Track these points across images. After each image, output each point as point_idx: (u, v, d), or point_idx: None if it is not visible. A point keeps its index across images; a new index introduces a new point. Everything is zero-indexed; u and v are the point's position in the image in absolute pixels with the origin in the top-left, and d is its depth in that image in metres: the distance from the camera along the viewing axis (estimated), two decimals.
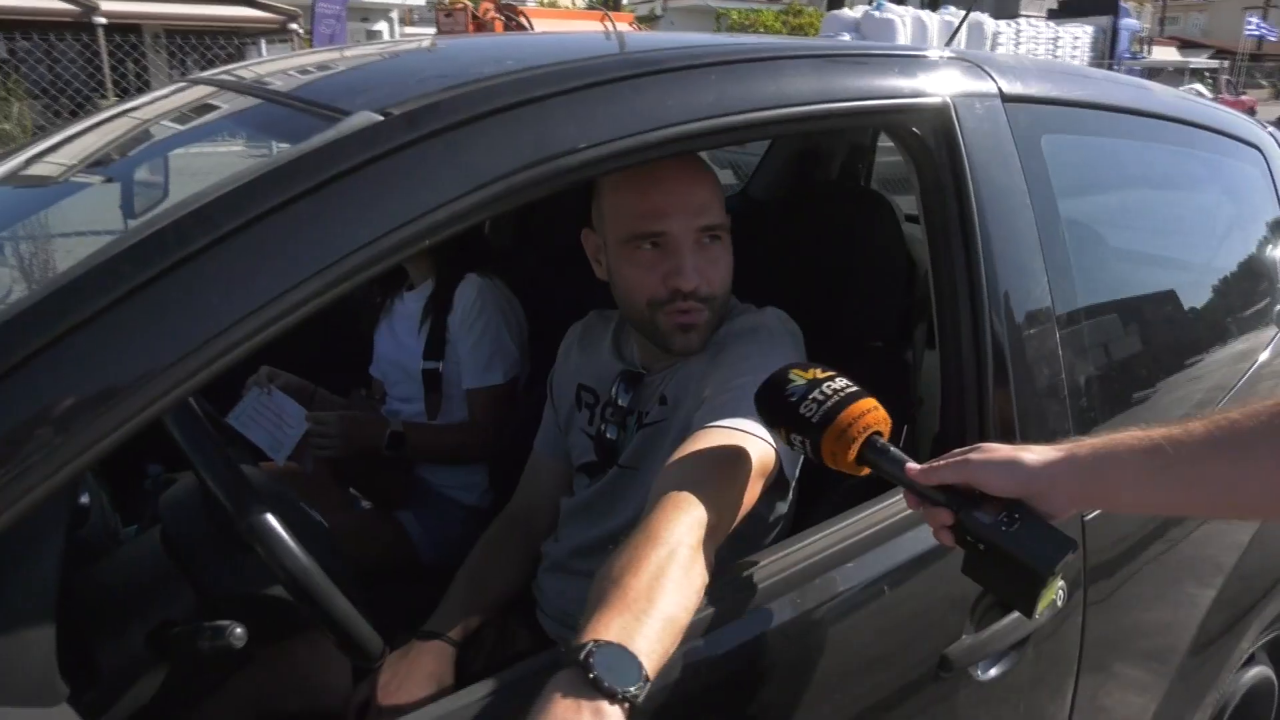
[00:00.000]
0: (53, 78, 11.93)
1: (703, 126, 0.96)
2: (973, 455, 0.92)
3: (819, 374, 0.99)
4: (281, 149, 0.85)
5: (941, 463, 0.93)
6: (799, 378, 0.99)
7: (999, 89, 1.27)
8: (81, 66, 11.64)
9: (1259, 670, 1.82)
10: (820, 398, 0.96)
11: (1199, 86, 21.57)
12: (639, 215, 1.21)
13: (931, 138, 1.19)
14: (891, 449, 0.96)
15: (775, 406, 0.99)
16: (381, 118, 0.84)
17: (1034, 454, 0.90)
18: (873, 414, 0.96)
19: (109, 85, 11.48)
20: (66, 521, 0.90)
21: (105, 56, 11.64)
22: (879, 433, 0.96)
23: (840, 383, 0.98)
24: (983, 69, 1.28)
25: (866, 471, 0.98)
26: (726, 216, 1.26)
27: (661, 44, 1.10)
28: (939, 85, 1.20)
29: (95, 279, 0.71)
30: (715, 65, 1.01)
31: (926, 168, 1.20)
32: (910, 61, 1.21)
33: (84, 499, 1.32)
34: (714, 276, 1.24)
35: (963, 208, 1.19)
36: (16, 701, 0.81)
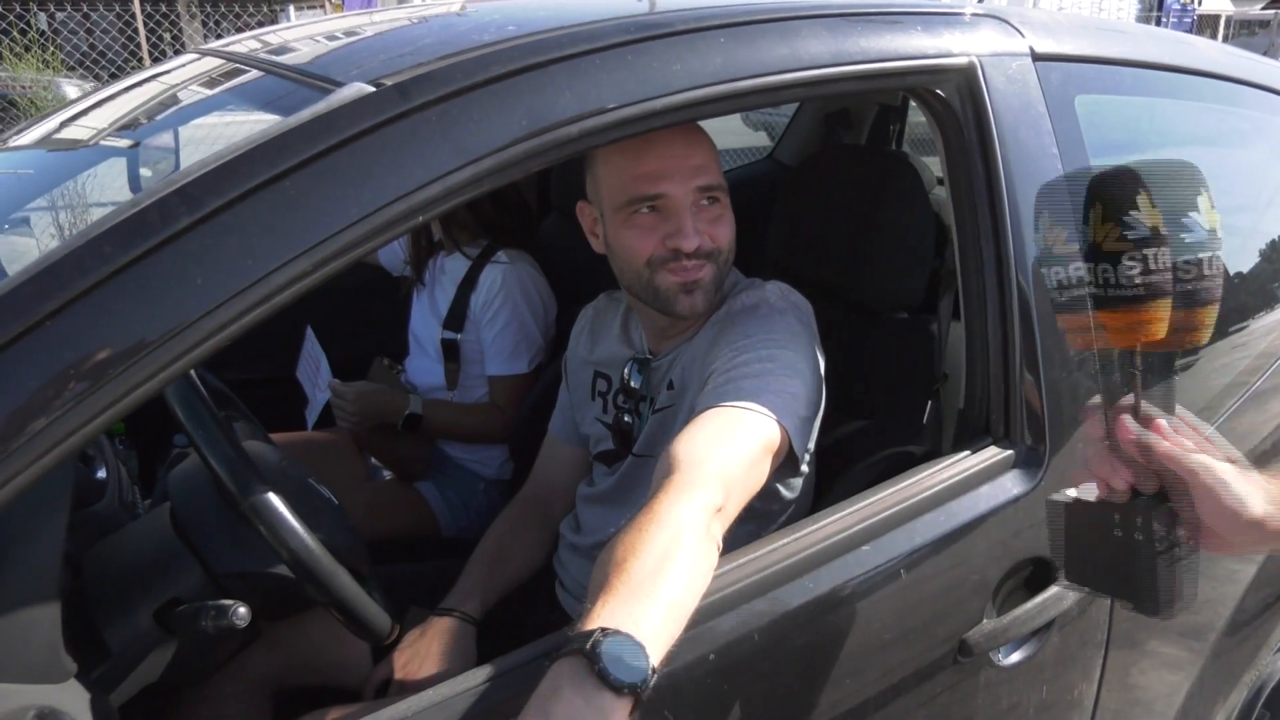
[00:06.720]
0: (88, 48, 12.01)
1: (710, 93, 0.92)
2: (1204, 478, 0.81)
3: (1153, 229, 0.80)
4: (273, 122, 0.82)
5: (1175, 454, 0.82)
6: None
7: (1030, 47, 1.21)
8: (114, 37, 11.69)
9: None
10: (1153, 266, 0.81)
11: None
12: (636, 179, 1.17)
13: (957, 100, 1.14)
14: (1120, 374, 0.85)
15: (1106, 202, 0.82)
16: (373, 89, 0.81)
17: (1266, 505, 0.80)
18: (1154, 327, 0.83)
19: (145, 55, 11.53)
20: (69, 501, 0.89)
21: (141, 26, 11.68)
22: (1148, 346, 0.84)
23: (1170, 260, 0.82)
24: (1013, 26, 1.22)
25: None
26: (724, 180, 1.22)
27: (667, 4, 1.05)
28: (965, 44, 1.14)
29: (77, 260, 0.69)
30: (723, 27, 0.96)
31: (952, 132, 1.15)
32: (934, 19, 1.16)
33: (100, 474, 1.32)
34: (718, 233, 1.19)
35: (990, 173, 1.14)
36: (22, 679, 0.81)
